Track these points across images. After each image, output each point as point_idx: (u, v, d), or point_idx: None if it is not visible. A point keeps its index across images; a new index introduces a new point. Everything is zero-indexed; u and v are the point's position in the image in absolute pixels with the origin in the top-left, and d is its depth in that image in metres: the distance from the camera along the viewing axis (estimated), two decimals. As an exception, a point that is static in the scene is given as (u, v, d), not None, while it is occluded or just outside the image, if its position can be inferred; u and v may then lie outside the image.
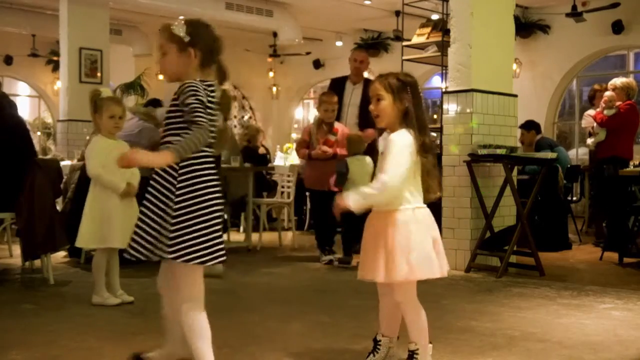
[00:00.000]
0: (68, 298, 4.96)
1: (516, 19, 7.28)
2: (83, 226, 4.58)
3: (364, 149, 6.28)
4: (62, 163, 6.75)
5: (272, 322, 4.11)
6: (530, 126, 8.68)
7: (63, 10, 10.15)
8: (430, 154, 3.04)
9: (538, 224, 7.37)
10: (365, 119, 6.52)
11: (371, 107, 3.13)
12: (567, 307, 4.72)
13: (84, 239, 4.60)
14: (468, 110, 6.21)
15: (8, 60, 14.16)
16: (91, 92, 4.66)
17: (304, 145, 6.69)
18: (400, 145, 2.96)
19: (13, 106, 5.78)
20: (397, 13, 11.82)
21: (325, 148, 6.48)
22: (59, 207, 6.01)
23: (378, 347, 3.31)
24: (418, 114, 3.03)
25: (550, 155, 6.50)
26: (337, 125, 6.64)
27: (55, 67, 13.72)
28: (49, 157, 7.28)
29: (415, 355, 3.14)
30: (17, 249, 6.30)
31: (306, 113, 16.91)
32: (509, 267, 6.03)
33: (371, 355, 3.32)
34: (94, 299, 4.60)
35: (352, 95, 7.12)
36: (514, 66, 9.95)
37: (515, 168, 6.47)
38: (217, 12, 11.51)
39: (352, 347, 3.62)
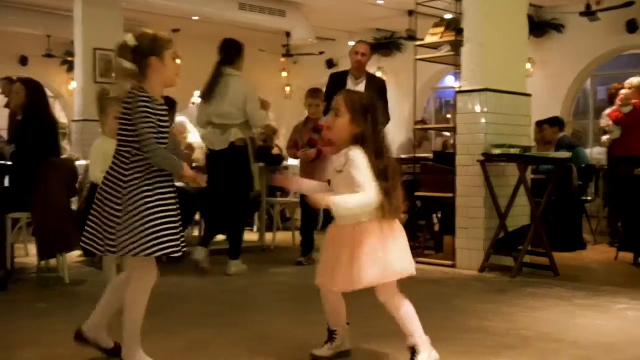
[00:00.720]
0: (82, 297, 4.98)
1: (530, 18, 7.25)
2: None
3: None
4: (77, 163, 6.78)
5: (283, 321, 4.12)
6: (554, 122, 8.64)
7: (77, 11, 10.20)
8: (392, 179, 3.09)
9: (552, 224, 7.34)
10: None
11: (328, 118, 3.23)
12: (582, 307, 4.69)
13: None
14: (481, 110, 6.19)
15: (23, 61, 14.25)
16: (98, 92, 4.67)
17: (293, 145, 6.62)
18: (364, 163, 3.03)
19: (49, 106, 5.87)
20: (410, 13, 11.78)
21: (307, 153, 6.27)
22: (74, 207, 6.05)
23: (334, 336, 3.47)
24: (375, 139, 3.09)
25: (564, 155, 6.47)
26: (323, 121, 6.22)
27: (70, 67, 13.79)
28: (64, 157, 7.32)
29: (416, 348, 3.22)
30: (32, 249, 6.35)
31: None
32: (523, 267, 6.00)
33: (328, 343, 3.47)
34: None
35: None
36: (528, 65, 9.90)
37: (530, 168, 6.45)
38: (230, 13, 11.53)
39: (363, 347, 3.62)
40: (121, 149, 3.12)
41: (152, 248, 3.05)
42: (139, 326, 3.18)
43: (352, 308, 4.67)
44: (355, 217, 3.10)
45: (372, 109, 3.13)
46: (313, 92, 6.53)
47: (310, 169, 5.98)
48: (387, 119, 6.49)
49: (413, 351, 3.21)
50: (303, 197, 6.14)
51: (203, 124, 6.19)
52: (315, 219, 6.77)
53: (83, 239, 3.17)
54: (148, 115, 3.04)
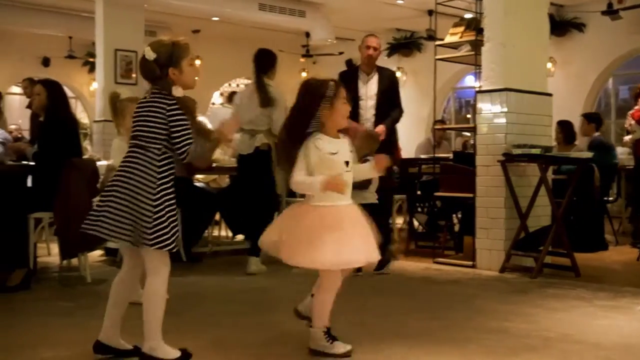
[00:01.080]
0: (103, 296, 4.97)
1: (551, 17, 7.21)
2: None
3: (374, 150, 5.91)
4: (98, 163, 6.82)
5: (302, 321, 4.12)
6: (592, 118, 8.56)
7: (99, 12, 10.27)
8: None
9: (573, 224, 7.28)
10: (383, 113, 6.26)
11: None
12: (604, 308, 4.66)
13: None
14: (502, 110, 6.16)
15: (46, 62, 14.38)
16: (110, 95, 4.70)
17: None
18: (307, 153, 3.44)
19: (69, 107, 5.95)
20: (430, 12, 11.76)
21: None
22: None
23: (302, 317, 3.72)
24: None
25: (585, 155, 6.42)
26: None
27: (92, 68, 13.89)
28: (85, 157, 7.38)
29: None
30: (55, 248, 6.41)
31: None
32: (544, 267, 5.97)
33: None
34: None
35: (368, 87, 6.48)
36: (549, 65, 9.84)
37: (550, 167, 6.41)
38: (250, 13, 11.56)
39: (386, 347, 3.62)
40: (150, 145, 3.25)
41: (175, 241, 3.25)
42: (161, 319, 3.27)
43: (366, 306, 4.68)
44: (311, 199, 3.40)
45: (312, 92, 3.56)
46: None
47: None
48: (400, 111, 6.37)
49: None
50: None
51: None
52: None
53: (103, 229, 3.24)
54: (183, 114, 3.24)
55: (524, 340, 3.80)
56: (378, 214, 5.64)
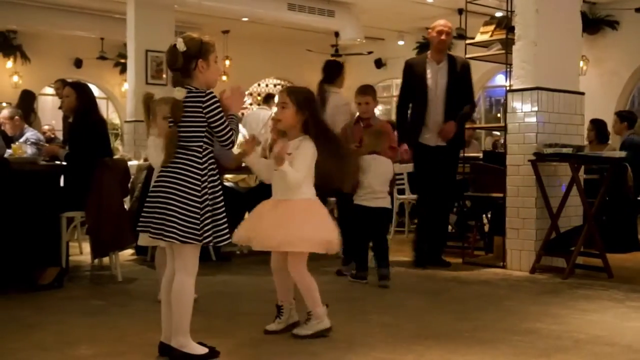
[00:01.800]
0: (135, 295, 5.07)
1: (583, 15, 7.13)
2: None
3: (384, 146, 5.64)
4: (129, 163, 6.90)
5: (334, 320, 4.12)
6: (625, 117, 8.44)
7: (130, 13, 10.38)
8: (333, 157, 3.77)
9: (606, 225, 7.19)
10: (454, 106, 6.03)
11: (276, 111, 3.75)
12: (636, 310, 4.60)
13: (142, 235, 4.74)
14: (533, 109, 6.10)
15: (78, 63, 14.56)
16: (144, 97, 4.75)
17: None
18: (311, 152, 3.72)
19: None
20: (460, 11, 11.69)
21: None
22: (126, 206, 6.16)
23: (281, 311, 3.90)
24: (317, 124, 3.79)
25: (617, 154, 6.34)
26: (374, 120, 5.99)
27: (123, 69, 14.02)
28: (116, 157, 7.47)
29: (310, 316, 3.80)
30: (86, 247, 6.48)
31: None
32: (576, 268, 5.90)
33: (277, 318, 3.89)
34: (159, 296, 4.68)
35: (438, 77, 6.13)
36: (581, 63, 9.73)
37: (582, 167, 6.33)
38: (279, 13, 11.60)
39: (414, 348, 3.60)
40: (191, 144, 3.30)
41: (223, 237, 3.36)
42: (189, 315, 3.32)
43: (394, 306, 4.67)
44: (303, 194, 3.72)
45: (313, 99, 3.82)
46: (362, 90, 6.10)
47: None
48: (473, 107, 6.21)
49: (307, 315, 3.80)
50: (341, 201, 6.07)
51: None
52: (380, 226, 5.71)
53: (154, 230, 3.29)
54: (219, 105, 3.30)
55: (555, 341, 3.77)
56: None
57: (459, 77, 6.08)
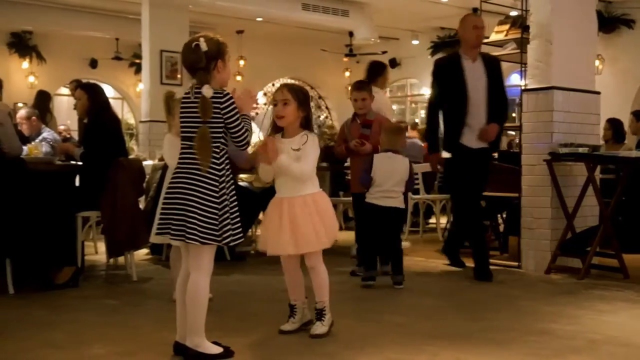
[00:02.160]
0: (149, 294, 5.09)
1: (599, 13, 7.09)
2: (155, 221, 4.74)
3: (402, 144, 5.56)
4: (144, 163, 6.93)
5: (347, 320, 4.12)
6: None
7: (145, 14, 10.43)
8: None
9: (622, 225, 7.14)
10: (493, 107, 5.74)
11: (277, 108, 3.77)
12: (653, 310, 4.57)
13: (152, 233, 4.77)
14: (548, 108, 6.07)
15: (93, 63, 14.64)
16: (165, 95, 4.80)
17: (342, 142, 5.96)
18: (317, 146, 3.80)
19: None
20: (475, 10, 11.61)
21: (363, 148, 5.68)
22: (141, 206, 6.19)
23: (295, 310, 3.93)
24: (310, 119, 3.87)
25: (634, 154, 6.29)
26: (373, 116, 5.82)
27: (138, 69, 14.10)
28: (131, 157, 7.50)
29: (324, 309, 3.83)
30: (101, 247, 6.51)
31: (382, 112, 16.86)
32: (591, 268, 5.86)
33: (291, 318, 3.91)
34: (174, 296, 4.70)
35: (475, 77, 5.77)
36: (596, 62, 9.66)
37: (598, 167, 6.29)
38: (293, 13, 11.61)
39: (427, 348, 3.59)
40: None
41: (238, 236, 3.41)
42: (204, 315, 3.34)
43: (408, 306, 4.66)
44: (308, 189, 3.76)
45: (309, 96, 3.89)
46: (358, 85, 5.89)
47: (360, 163, 5.65)
48: (505, 103, 5.85)
49: (320, 312, 3.83)
50: (356, 200, 5.89)
51: None
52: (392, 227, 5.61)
53: (173, 232, 3.30)
54: (235, 106, 3.34)
55: (570, 342, 3.75)
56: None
57: (494, 74, 5.84)
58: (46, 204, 5.09)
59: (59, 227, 5.21)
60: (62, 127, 10.59)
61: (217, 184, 3.30)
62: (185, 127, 3.39)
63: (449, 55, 6.19)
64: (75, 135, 10.46)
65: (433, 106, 5.94)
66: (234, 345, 3.48)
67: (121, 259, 6.06)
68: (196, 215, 3.25)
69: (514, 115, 14.20)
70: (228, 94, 3.33)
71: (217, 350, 3.35)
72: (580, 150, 5.86)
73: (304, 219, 3.70)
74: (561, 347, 3.64)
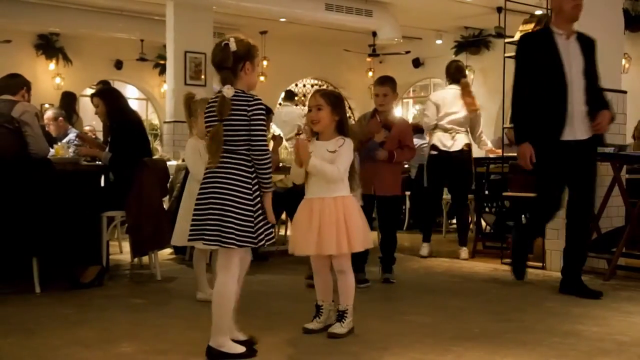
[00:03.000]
0: (174, 294, 5.12)
1: (625, 11, 7.00)
2: (177, 223, 4.78)
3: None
4: (168, 163, 6.97)
5: (371, 321, 4.12)
6: None
7: (169, 15, 10.48)
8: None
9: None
10: (597, 92, 5.02)
11: (311, 114, 3.82)
12: (681, 312, 4.50)
13: (175, 236, 4.80)
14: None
15: (118, 64, 14.74)
16: (185, 96, 4.83)
17: None
18: (352, 150, 3.85)
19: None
20: (499, 9, 11.58)
21: (379, 154, 5.42)
22: (165, 206, 6.22)
23: (321, 311, 3.94)
24: (346, 123, 3.91)
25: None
26: (394, 118, 5.68)
27: (162, 70, 14.17)
28: (156, 157, 7.56)
29: (346, 313, 3.83)
30: (126, 246, 6.56)
31: (405, 112, 16.83)
32: (617, 269, 5.80)
33: (317, 318, 3.92)
34: (198, 295, 4.74)
35: (571, 56, 4.96)
36: (623, 61, 9.56)
37: (624, 166, 6.22)
38: (317, 13, 11.60)
39: (453, 349, 3.58)
40: (239, 147, 3.32)
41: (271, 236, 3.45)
42: (230, 315, 3.39)
43: (432, 307, 4.64)
44: (339, 191, 3.78)
45: (343, 100, 3.94)
46: (381, 80, 5.61)
47: (373, 168, 5.39)
48: (602, 90, 5.13)
49: (342, 313, 3.82)
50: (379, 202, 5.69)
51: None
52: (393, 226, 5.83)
53: (208, 237, 3.30)
54: (263, 114, 3.36)
55: (597, 344, 3.71)
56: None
57: (591, 57, 5.04)
58: (72, 204, 5.14)
59: (85, 226, 5.26)
60: (87, 128, 10.68)
61: (250, 186, 3.32)
62: (210, 128, 3.37)
63: (539, 30, 5.46)
64: (100, 136, 10.55)
65: (519, 91, 5.07)
66: (259, 344, 3.49)
67: (145, 259, 6.10)
68: (232, 219, 3.26)
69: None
70: (259, 99, 3.33)
71: (241, 349, 3.37)
72: (606, 150, 5.79)
73: (330, 220, 3.72)
74: (589, 349, 3.60)
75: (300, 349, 3.60)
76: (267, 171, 3.33)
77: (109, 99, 5.84)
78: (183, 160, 7.20)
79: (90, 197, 5.45)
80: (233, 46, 3.33)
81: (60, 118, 7.55)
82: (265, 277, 5.74)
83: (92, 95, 6.13)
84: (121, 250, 6.94)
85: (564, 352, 3.55)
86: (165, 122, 11.02)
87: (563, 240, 5.99)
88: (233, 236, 3.25)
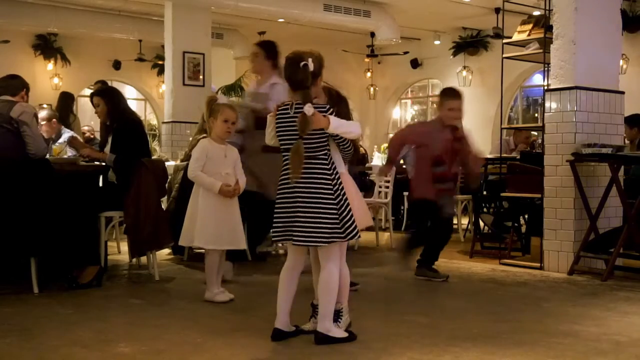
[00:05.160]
0: (172, 294, 5.13)
1: (623, 12, 7.01)
2: (184, 224, 4.77)
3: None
4: (167, 163, 6.96)
5: (370, 321, 4.12)
6: (634, 121, 8.22)
7: (168, 15, 10.48)
8: None
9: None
10: None
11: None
12: (678, 312, 4.51)
13: (182, 236, 4.80)
14: (571, 109, 6.03)
15: (117, 65, 14.76)
16: (208, 98, 4.86)
17: (400, 147, 5.72)
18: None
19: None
20: (497, 10, 11.60)
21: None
22: (163, 206, 6.22)
23: (317, 310, 3.83)
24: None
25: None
26: (464, 132, 5.63)
27: (160, 70, 14.18)
28: (154, 157, 7.54)
29: (342, 310, 3.81)
30: (124, 246, 6.57)
31: (403, 113, 16.84)
32: (615, 270, 5.82)
33: (313, 318, 3.86)
34: (205, 295, 4.74)
35: None
36: (620, 62, 9.58)
37: (622, 167, 6.24)
38: (315, 14, 11.61)
39: (451, 349, 3.59)
40: (318, 153, 3.57)
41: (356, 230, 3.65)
42: (335, 301, 3.64)
43: (430, 307, 4.65)
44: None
45: (342, 97, 4.09)
46: (456, 94, 5.59)
47: (426, 168, 5.51)
48: None
49: (337, 313, 3.78)
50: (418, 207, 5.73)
51: None
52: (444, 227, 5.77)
53: (297, 237, 3.55)
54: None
55: (594, 344, 3.72)
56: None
57: None
58: (70, 205, 5.14)
59: (83, 227, 5.26)
60: (85, 128, 10.68)
61: (331, 186, 3.54)
62: (286, 139, 3.61)
63: None
64: (98, 136, 10.54)
65: None
66: (257, 344, 3.49)
67: (143, 259, 6.09)
68: (320, 219, 3.50)
69: (536, 115, 14.14)
70: (330, 107, 3.58)
71: (344, 334, 3.65)
72: (604, 150, 5.81)
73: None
74: (586, 349, 3.61)
75: (299, 348, 3.59)
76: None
77: (110, 99, 5.83)
78: (182, 160, 7.20)
79: (88, 197, 5.44)
80: (311, 66, 3.58)
81: (54, 120, 7.53)
82: (263, 278, 5.74)
83: (93, 94, 6.12)
84: (119, 251, 6.94)
85: (562, 352, 3.56)
86: (163, 123, 11.01)
87: (561, 242, 6.04)
88: (322, 235, 3.50)
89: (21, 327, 3.99)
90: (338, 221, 3.52)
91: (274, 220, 3.67)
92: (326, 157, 3.58)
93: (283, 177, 3.64)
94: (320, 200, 3.52)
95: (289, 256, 3.76)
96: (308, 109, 3.45)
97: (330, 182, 3.55)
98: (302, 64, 3.57)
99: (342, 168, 3.83)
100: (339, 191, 3.57)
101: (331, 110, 3.58)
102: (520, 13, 8.11)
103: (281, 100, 3.85)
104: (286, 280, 3.71)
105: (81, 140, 7.66)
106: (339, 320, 3.82)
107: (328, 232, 3.51)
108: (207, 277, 4.74)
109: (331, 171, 3.58)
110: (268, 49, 6.22)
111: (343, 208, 3.56)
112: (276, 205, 3.66)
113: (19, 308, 4.48)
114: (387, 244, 7.88)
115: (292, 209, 3.57)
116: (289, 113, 3.60)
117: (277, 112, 3.65)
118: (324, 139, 3.57)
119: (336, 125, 3.59)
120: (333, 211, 3.52)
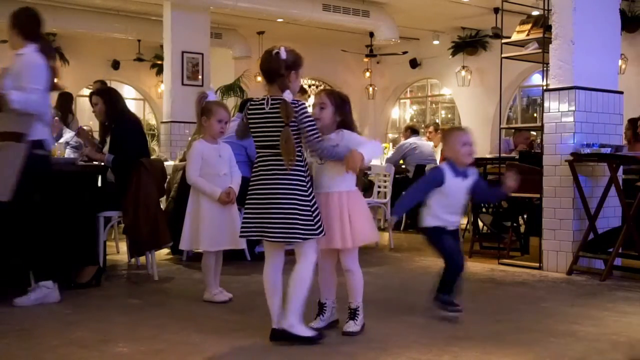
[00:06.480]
0: (171, 294, 5.12)
1: (622, 12, 7.02)
2: (184, 228, 4.75)
3: None
4: (166, 163, 6.95)
5: (368, 321, 4.12)
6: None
7: (167, 15, 10.48)
8: None
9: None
10: None
11: (314, 112, 3.80)
12: (677, 312, 4.52)
13: (182, 240, 4.78)
14: (570, 109, 6.03)
15: (115, 65, 14.75)
16: (198, 95, 4.76)
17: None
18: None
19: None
20: (496, 10, 11.60)
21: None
22: (162, 206, 6.21)
23: (324, 309, 3.97)
24: (353, 124, 3.93)
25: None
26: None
27: (159, 70, 14.17)
28: (153, 157, 7.53)
29: (358, 310, 3.88)
30: (123, 246, 6.57)
31: (402, 113, 16.84)
32: (614, 269, 5.82)
33: (320, 316, 3.94)
34: (204, 295, 4.73)
35: None
36: (619, 62, 9.58)
37: (621, 167, 6.24)
38: (314, 14, 11.60)
39: (450, 349, 3.59)
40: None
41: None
42: (304, 300, 3.64)
43: (432, 310, 4.65)
44: (345, 185, 3.78)
45: (348, 102, 3.92)
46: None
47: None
48: None
49: (354, 311, 3.87)
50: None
51: None
52: None
53: (275, 234, 3.58)
54: (309, 113, 3.63)
55: (593, 344, 3.72)
56: None
57: None
58: (69, 204, 5.13)
59: (82, 227, 5.26)
60: (85, 128, 10.66)
61: (305, 183, 3.57)
62: (262, 135, 3.59)
63: None
64: (96, 136, 10.52)
65: None
66: (257, 344, 3.50)
67: (142, 259, 6.09)
68: (296, 216, 3.50)
69: (535, 115, 14.14)
70: (303, 103, 3.58)
71: (309, 333, 3.62)
72: (603, 150, 5.81)
73: (334, 215, 3.76)
74: (584, 349, 3.61)
75: (299, 348, 3.59)
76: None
77: (109, 99, 5.82)
78: (180, 160, 7.20)
79: (87, 197, 5.44)
80: (284, 55, 3.58)
81: (55, 118, 7.52)
82: (261, 278, 5.73)
83: (92, 94, 6.11)
84: (118, 251, 6.93)
85: (561, 352, 3.56)
86: (162, 123, 11.01)
87: (560, 241, 6.04)
88: (299, 231, 3.51)
89: (19, 326, 3.99)
90: (312, 218, 3.54)
91: (244, 217, 3.67)
92: (300, 154, 3.59)
93: (255, 174, 3.63)
94: (296, 197, 3.53)
95: (266, 255, 3.77)
96: (288, 95, 3.49)
97: (304, 177, 3.57)
98: (274, 52, 3.59)
99: (350, 184, 3.84)
100: (311, 188, 3.61)
101: (304, 106, 3.56)
102: (519, 13, 8.11)
103: None
104: (270, 281, 3.73)
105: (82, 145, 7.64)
106: (356, 318, 3.88)
107: (304, 229, 3.53)
108: (205, 277, 4.74)
109: (305, 167, 3.60)
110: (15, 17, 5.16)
111: (315, 205, 3.60)
112: (247, 202, 3.65)
113: (17, 307, 4.47)
114: (386, 244, 7.85)
115: (266, 206, 3.56)
116: (264, 108, 3.58)
117: (249, 108, 3.66)
118: (298, 134, 3.56)
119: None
120: (308, 208, 3.54)
